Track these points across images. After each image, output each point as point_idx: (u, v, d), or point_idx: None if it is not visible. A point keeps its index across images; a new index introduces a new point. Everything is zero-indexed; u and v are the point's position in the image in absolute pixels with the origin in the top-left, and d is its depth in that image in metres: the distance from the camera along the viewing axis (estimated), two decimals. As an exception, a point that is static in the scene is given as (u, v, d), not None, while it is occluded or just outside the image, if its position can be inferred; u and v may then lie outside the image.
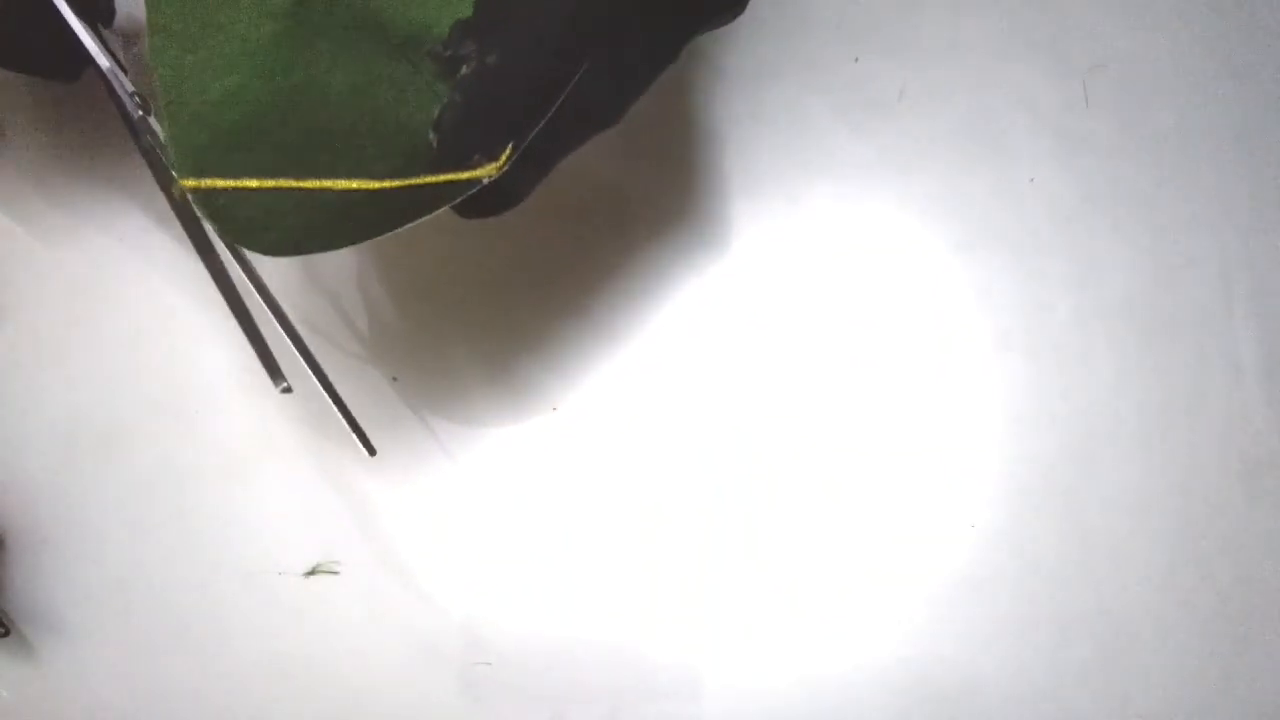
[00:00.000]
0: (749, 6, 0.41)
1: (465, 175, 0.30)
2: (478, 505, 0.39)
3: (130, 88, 0.34)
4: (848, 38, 0.43)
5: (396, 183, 0.30)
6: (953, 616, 0.38)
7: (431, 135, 0.31)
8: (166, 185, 0.34)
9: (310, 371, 0.34)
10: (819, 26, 0.43)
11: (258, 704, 0.37)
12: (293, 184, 0.30)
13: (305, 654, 0.37)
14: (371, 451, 0.35)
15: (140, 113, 0.34)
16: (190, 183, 0.29)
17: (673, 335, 0.40)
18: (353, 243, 0.30)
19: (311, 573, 0.38)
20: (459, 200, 0.30)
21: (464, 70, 0.31)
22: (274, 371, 0.34)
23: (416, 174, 0.30)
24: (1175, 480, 0.39)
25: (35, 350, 0.39)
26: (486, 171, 0.30)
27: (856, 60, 0.42)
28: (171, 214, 0.40)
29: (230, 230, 0.30)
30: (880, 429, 0.39)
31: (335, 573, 0.38)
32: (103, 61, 0.33)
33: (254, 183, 0.30)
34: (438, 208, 0.30)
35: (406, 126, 0.31)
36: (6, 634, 0.36)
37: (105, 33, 0.35)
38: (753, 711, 0.37)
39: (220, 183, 0.30)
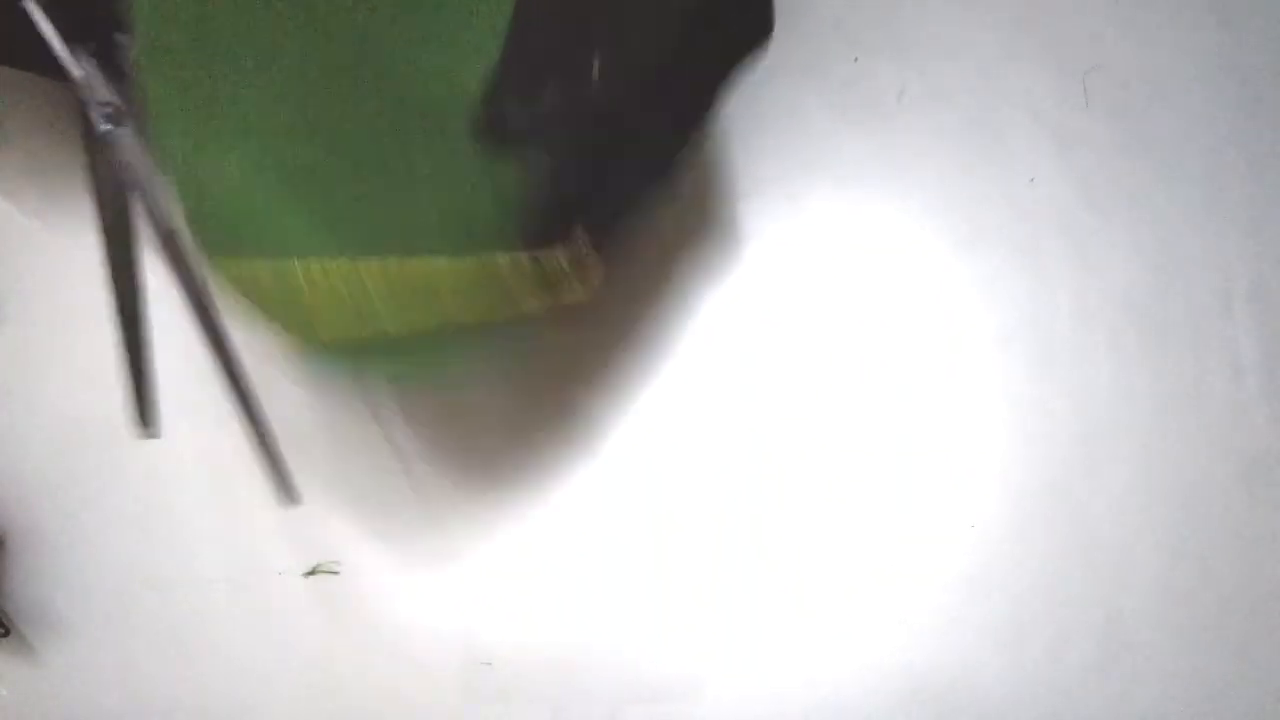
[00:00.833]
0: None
1: (541, 259, 0.28)
2: (479, 505, 0.39)
3: (105, 97, 0.31)
4: (848, 38, 0.42)
5: (468, 263, 0.28)
6: (953, 617, 0.38)
7: (493, 219, 0.28)
8: (104, 203, 0.31)
9: (240, 406, 0.32)
10: (819, 26, 0.43)
11: (257, 703, 0.37)
12: (343, 264, 0.28)
13: (305, 654, 0.37)
14: (291, 501, 0.33)
15: (108, 125, 0.31)
16: (221, 262, 0.28)
17: (673, 336, 0.40)
18: (450, 357, 0.28)
19: (311, 573, 0.38)
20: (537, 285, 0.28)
21: (526, 154, 0.28)
22: (145, 414, 0.31)
23: (483, 253, 0.28)
24: (1175, 480, 0.39)
25: (35, 350, 0.39)
26: (563, 255, 0.29)
27: (856, 60, 0.42)
28: (173, 212, 0.40)
29: (292, 328, 0.28)
30: (881, 429, 0.39)
31: (335, 572, 0.38)
32: (74, 71, 0.30)
33: (291, 261, 0.28)
34: (521, 301, 0.28)
35: (456, 203, 0.28)
36: (6, 634, 0.36)
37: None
38: (754, 713, 0.37)
39: (255, 262, 0.28)
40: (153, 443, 0.38)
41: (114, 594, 0.37)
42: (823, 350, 0.40)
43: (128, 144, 0.30)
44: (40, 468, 0.38)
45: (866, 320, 0.40)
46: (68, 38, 0.30)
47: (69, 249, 0.40)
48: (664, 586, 0.38)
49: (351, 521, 0.39)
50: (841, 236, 0.41)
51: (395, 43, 0.27)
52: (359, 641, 0.38)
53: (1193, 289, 0.41)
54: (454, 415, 0.40)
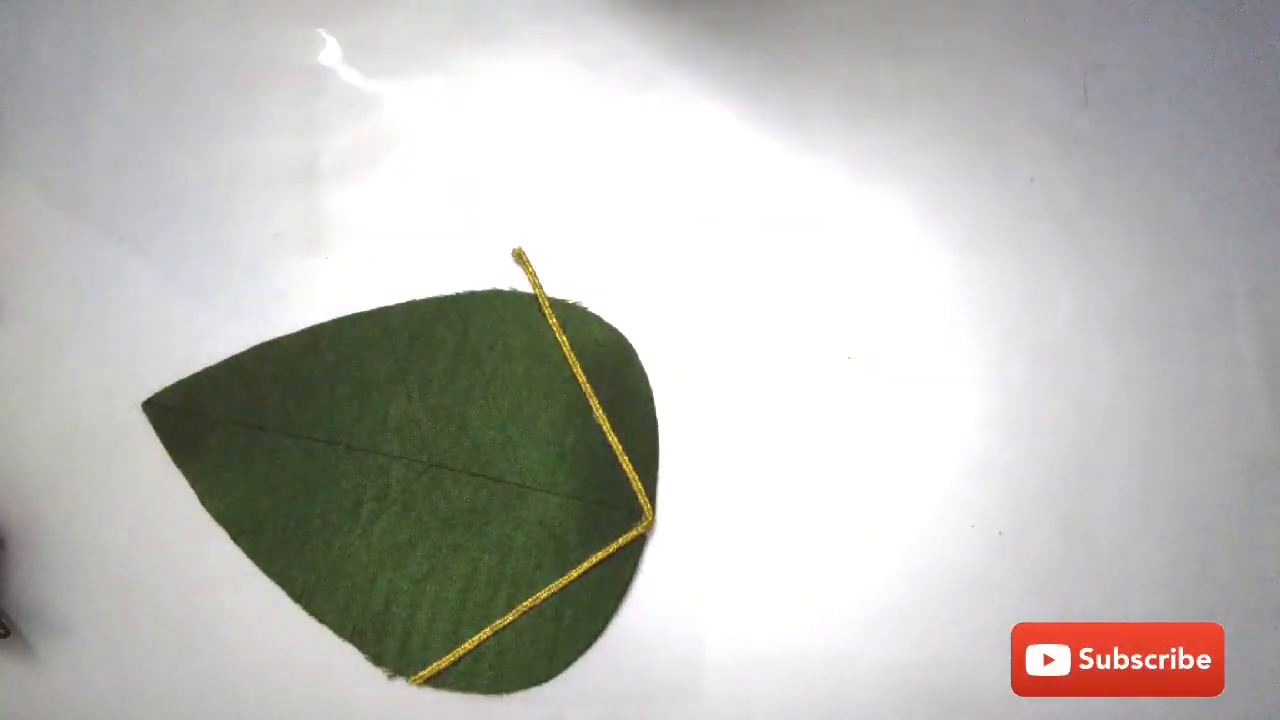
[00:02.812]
0: (747, 6, 0.41)
1: (625, 539, 0.38)
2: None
3: None
4: (848, 38, 0.43)
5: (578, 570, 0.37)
6: (953, 617, 0.38)
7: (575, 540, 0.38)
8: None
9: None
10: (819, 26, 0.43)
11: (257, 704, 0.37)
12: (484, 634, 0.37)
13: (305, 654, 0.37)
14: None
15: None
16: (423, 675, 0.36)
17: (671, 334, 0.40)
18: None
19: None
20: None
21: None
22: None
23: (581, 560, 0.37)
24: (1175, 480, 0.39)
25: (35, 350, 0.39)
26: (644, 526, 0.38)
27: (857, 61, 0.42)
28: (169, 214, 0.40)
29: (482, 684, 0.37)
30: (879, 430, 0.39)
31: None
32: None
33: (467, 646, 0.37)
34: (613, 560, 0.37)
35: (544, 542, 0.38)
36: (7, 634, 0.36)
37: None
38: (753, 712, 0.37)
39: (441, 664, 0.37)
40: (154, 443, 0.38)
41: (114, 594, 0.37)
42: (822, 350, 0.40)
43: None
44: (40, 468, 0.38)
45: (865, 320, 0.40)
46: None
47: (70, 249, 0.40)
48: (663, 585, 0.38)
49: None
50: (840, 237, 0.41)
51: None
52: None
53: (1193, 289, 0.41)
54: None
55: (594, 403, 0.38)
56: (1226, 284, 0.40)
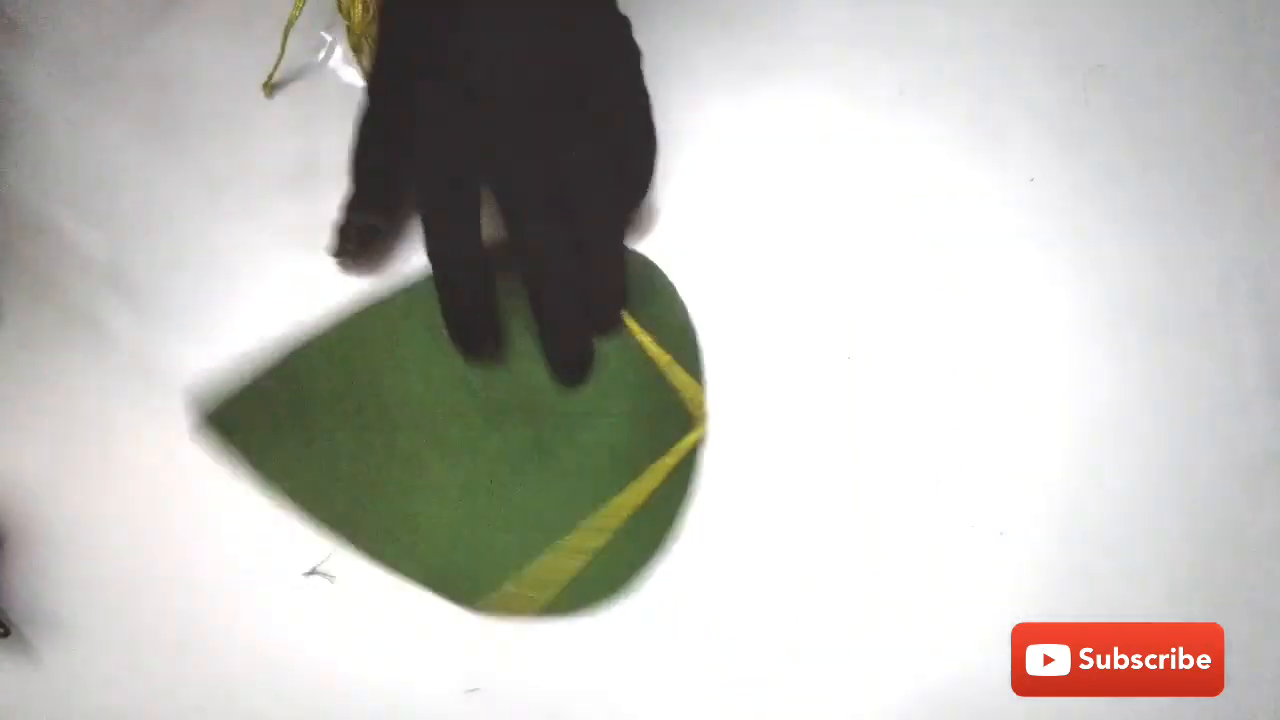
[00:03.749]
0: (750, 4, 0.41)
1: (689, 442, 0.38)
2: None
3: None
4: (847, 38, 0.43)
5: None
6: (953, 617, 0.38)
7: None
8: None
9: None
10: (818, 26, 0.43)
11: (256, 704, 0.37)
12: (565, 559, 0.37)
13: (304, 654, 0.37)
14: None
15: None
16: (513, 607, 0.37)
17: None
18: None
19: (310, 573, 0.38)
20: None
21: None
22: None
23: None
24: (1176, 480, 0.39)
25: (36, 350, 0.39)
26: (699, 433, 0.38)
27: (857, 61, 0.42)
28: (169, 214, 0.40)
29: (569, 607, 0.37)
30: (879, 430, 0.39)
31: (333, 576, 0.38)
32: None
33: (550, 576, 0.37)
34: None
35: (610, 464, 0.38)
36: (6, 634, 0.36)
37: None
38: (752, 712, 0.37)
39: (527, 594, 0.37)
40: (153, 443, 0.38)
41: (114, 594, 0.37)
42: (821, 350, 0.40)
43: None
44: (40, 468, 0.38)
45: (864, 320, 0.40)
46: None
47: (69, 248, 0.40)
48: (662, 585, 0.38)
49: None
50: (840, 237, 0.41)
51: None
52: (358, 641, 0.38)
53: (1193, 289, 0.41)
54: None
55: (633, 325, 0.38)
56: (1226, 283, 0.40)
